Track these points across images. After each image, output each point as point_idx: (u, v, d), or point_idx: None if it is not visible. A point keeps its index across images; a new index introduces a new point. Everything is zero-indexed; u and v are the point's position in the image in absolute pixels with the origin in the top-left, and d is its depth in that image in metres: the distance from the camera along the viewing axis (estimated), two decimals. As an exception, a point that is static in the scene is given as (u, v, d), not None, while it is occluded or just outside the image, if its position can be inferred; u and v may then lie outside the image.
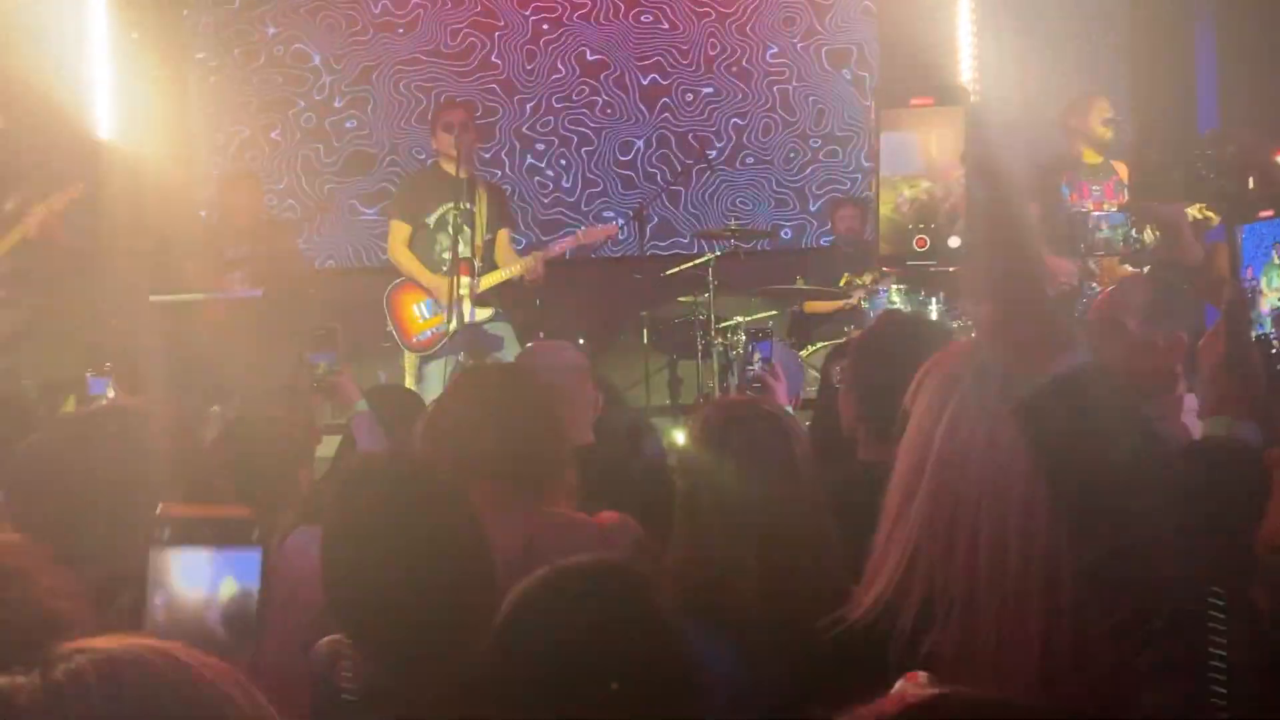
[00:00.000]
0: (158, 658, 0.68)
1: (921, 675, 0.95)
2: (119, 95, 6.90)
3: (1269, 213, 1.29)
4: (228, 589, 0.83)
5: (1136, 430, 1.04)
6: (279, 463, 2.46)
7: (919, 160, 1.03)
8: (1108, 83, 6.83)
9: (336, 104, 7.36)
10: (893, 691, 0.95)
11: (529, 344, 4.63)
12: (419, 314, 5.34)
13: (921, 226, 1.01)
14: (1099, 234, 5.25)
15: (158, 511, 0.84)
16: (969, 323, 5.43)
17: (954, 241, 1.02)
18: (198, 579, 0.82)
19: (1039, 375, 1.02)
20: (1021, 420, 1.04)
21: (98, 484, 1.58)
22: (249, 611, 0.83)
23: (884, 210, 1.03)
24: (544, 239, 6.93)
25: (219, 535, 0.83)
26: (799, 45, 7.56)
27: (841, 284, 6.68)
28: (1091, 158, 5.56)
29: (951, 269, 1.03)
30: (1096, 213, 5.36)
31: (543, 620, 1.31)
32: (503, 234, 5.49)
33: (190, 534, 0.83)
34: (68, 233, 5.67)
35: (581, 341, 6.99)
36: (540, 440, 2.07)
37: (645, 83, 7.53)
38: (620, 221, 5.98)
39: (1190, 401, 1.90)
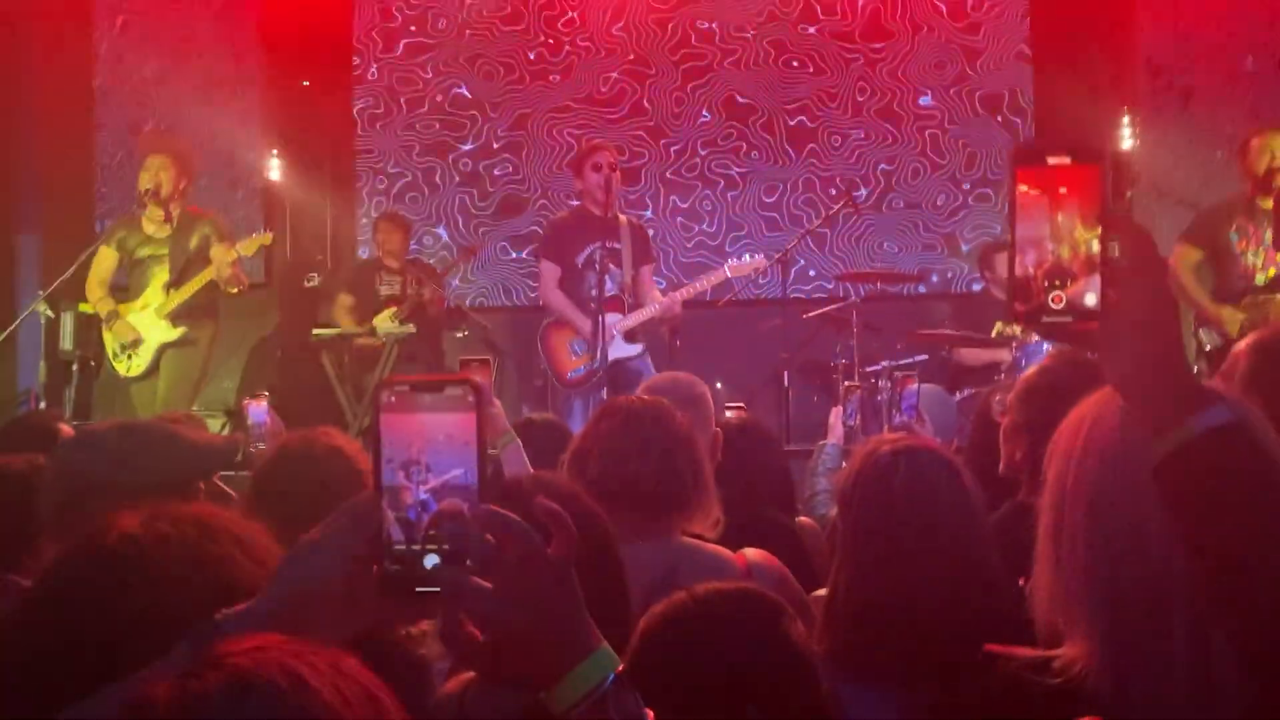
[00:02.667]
0: (289, 685, 0.70)
1: None
2: (288, 142, 7.31)
3: None
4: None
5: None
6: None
7: (1053, 219, 1.04)
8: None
9: (493, 148, 7.62)
10: None
11: (655, 377, 4.66)
12: (572, 352, 5.45)
13: (1058, 284, 1.02)
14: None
15: (384, 378, 0.93)
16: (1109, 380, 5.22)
17: (1090, 299, 1.02)
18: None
19: (1177, 433, 1.01)
20: (1158, 479, 1.02)
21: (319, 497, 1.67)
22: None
23: (1016, 269, 1.04)
24: (686, 280, 6.99)
25: (437, 400, 0.91)
26: (951, 89, 7.46)
27: (994, 334, 6.52)
28: (1266, 201, 5.24)
29: (1091, 325, 1.03)
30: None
31: (678, 643, 1.31)
32: (645, 270, 5.57)
33: (412, 400, 0.91)
34: (245, 272, 5.93)
35: (719, 385, 7.00)
36: (683, 470, 2.09)
37: (792, 126, 7.55)
38: (766, 261, 5.94)
39: None
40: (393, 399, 0.91)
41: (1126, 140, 7.07)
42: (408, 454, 0.90)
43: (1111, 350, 1.05)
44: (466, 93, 7.62)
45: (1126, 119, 7.03)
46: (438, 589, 0.88)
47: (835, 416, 3.52)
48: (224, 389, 7.24)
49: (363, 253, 7.55)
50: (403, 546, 0.89)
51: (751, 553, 2.14)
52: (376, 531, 0.89)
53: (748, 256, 5.80)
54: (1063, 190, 1.03)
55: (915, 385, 3.30)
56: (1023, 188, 1.04)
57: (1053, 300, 1.03)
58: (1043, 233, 1.03)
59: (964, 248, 7.46)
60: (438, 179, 7.64)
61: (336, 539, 0.88)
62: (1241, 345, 2.19)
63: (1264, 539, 0.97)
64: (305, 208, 7.46)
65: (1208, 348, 5.32)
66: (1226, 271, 5.29)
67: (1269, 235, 5.20)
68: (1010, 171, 1.05)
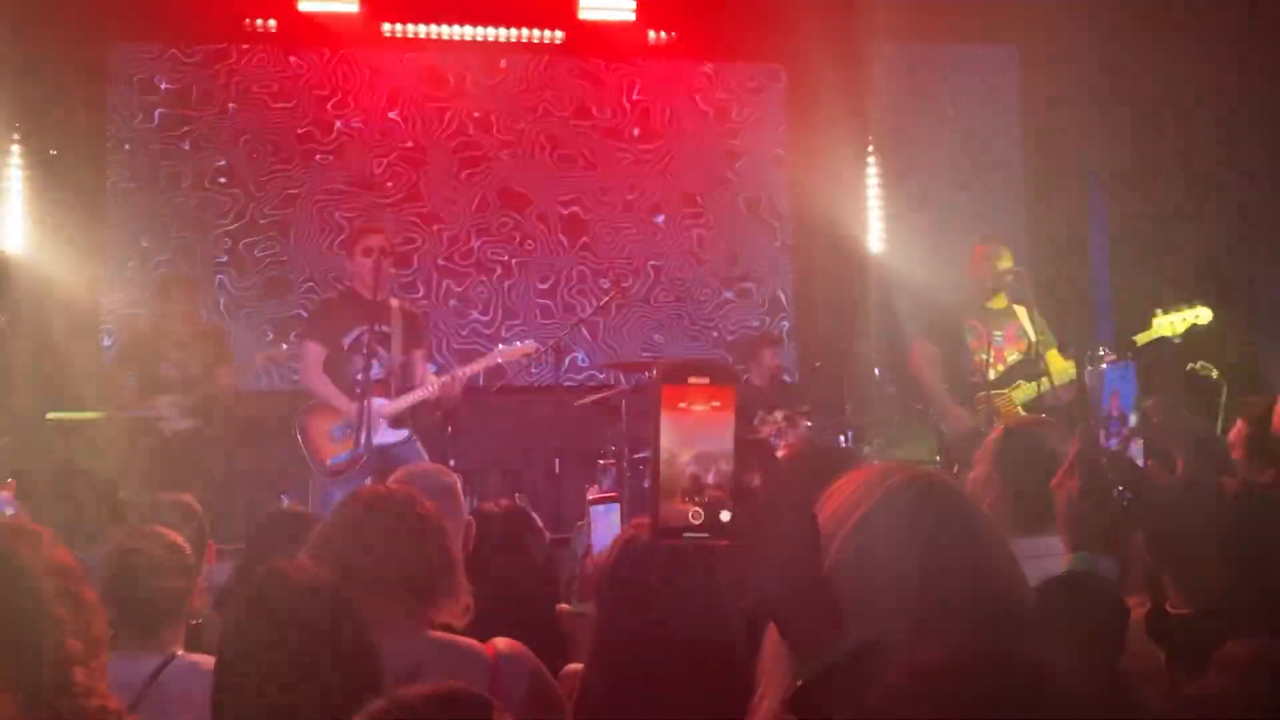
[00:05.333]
0: None
1: None
2: (33, 213, 6.84)
3: (1112, 357, 1.41)
4: None
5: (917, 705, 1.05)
6: (167, 589, 2.39)
7: (694, 436, 1.10)
8: (1007, 228, 7.19)
9: (256, 227, 7.37)
10: None
11: (402, 468, 4.57)
12: (332, 437, 5.26)
13: (695, 499, 1.08)
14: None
15: None
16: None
17: (725, 515, 1.08)
18: None
19: (817, 658, 1.05)
20: (800, 700, 1.05)
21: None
22: None
23: (663, 485, 1.09)
24: (459, 366, 6.95)
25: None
26: (714, 190, 7.84)
27: (755, 421, 6.81)
28: (994, 303, 5.70)
29: (724, 544, 1.09)
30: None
31: None
32: (417, 355, 5.48)
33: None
34: None
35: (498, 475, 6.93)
36: (430, 557, 2.06)
37: (566, 219, 7.71)
38: (537, 346, 5.98)
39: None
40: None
41: (874, 243, 7.64)
42: None
43: (751, 572, 1.08)
44: (230, 170, 7.37)
45: (875, 223, 7.59)
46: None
47: (592, 493, 3.53)
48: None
49: (105, 341, 7.05)
50: None
51: (501, 643, 2.11)
52: None
53: (518, 342, 5.82)
54: (704, 409, 1.10)
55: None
56: (667, 407, 1.10)
57: (691, 515, 1.07)
58: (685, 449, 1.09)
59: (727, 340, 7.77)
60: (195, 257, 7.30)
61: None
62: (992, 435, 2.46)
63: None
64: (46, 283, 6.95)
65: (947, 435, 5.70)
66: (960, 367, 5.71)
67: (999, 335, 5.66)
68: (656, 389, 1.10)
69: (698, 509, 1.08)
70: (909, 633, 1.14)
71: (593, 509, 2.58)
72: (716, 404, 1.10)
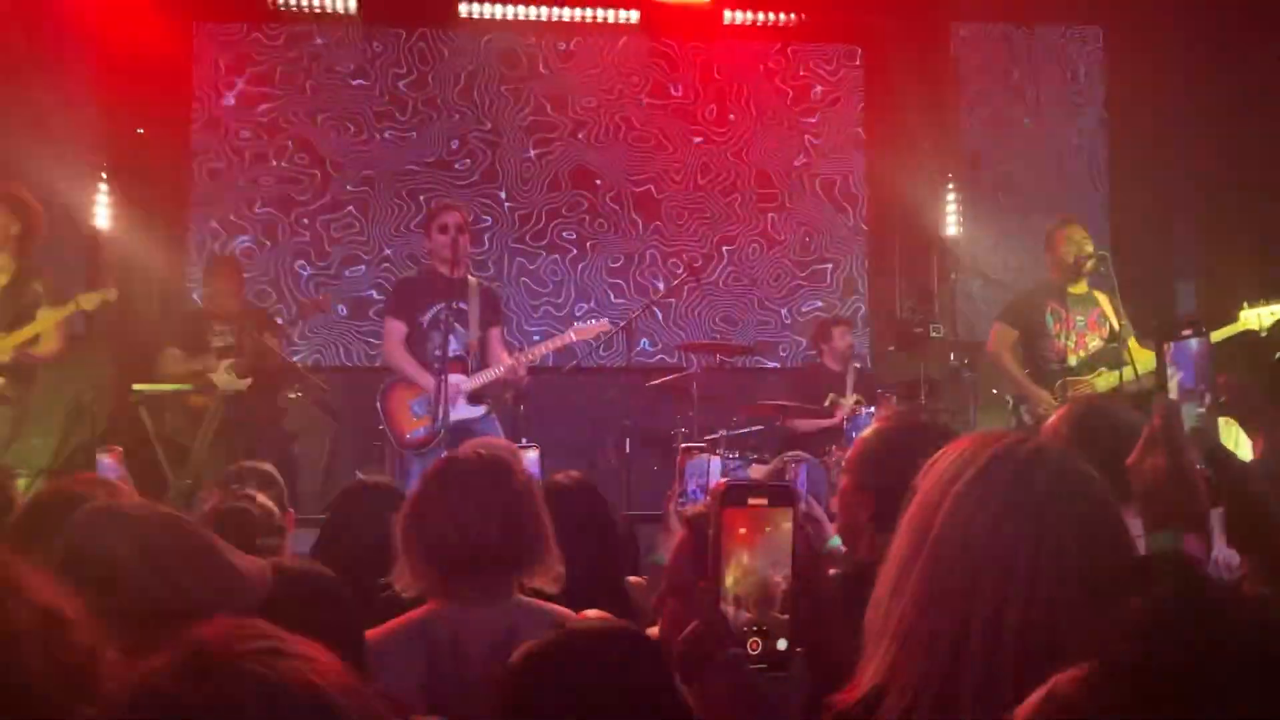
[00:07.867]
0: None
1: None
2: (120, 189, 7.01)
3: (1188, 331, 1.41)
4: None
5: None
6: (265, 548, 2.45)
7: (753, 560, 1.10)
8: (1088, 212, 7.03)
9: (334, 205, 7.49)
10: None
11: (473, 440, 4.63)
12: (413, 412, 5.33)
13: (756, 629, 1.09)
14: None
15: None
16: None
17: (782, 644, 1.09)
18: None
19: None
20: None
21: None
22: None
23: (726, 612, 1.11)
24: (531, 346, 7.00)
25: None
26: (788, 172, 7.78)
27: (826, 404, 6.77)
28: (1075, 287, 5.58)
29: (781, 673, 1.09)
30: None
31: (553, 679, 1.32)
32: (494, 332, 5.53)
33: None
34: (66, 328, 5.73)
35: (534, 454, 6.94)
36: (525, 529, 2.08)
37: (638, 199, 7.72)
38: (610, 324, 6.00)
39: None
40: None
41: (951, 226, 7.52)
42: None
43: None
44: (309, 148, 7.50)
45: (952, 206, 7.47)
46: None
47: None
48: (33, 446, 6.78)
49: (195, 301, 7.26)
50: None
51: (593, 614, 2.13)
52: None
53: (592, 320, 5.84)
54: (761, 531, 1.11)
55: (804, 463, 3.33)
56: (727, 530, 1.10)
57: (750, 646, 1.08)
58: (743, 572, 1.10)
59: (797, 323, 7.72)
60: (276, 234, 7.45)
61: None
62: (1055, 414, 2.40)
63: None
64: (134, 258, 7.15)
65: (1028, 422, 5.58)
66: (1040, 352, 5.60)
67: (1080, 320, 5.54)
68: (716, 513, 1.10)
69: (755, 639, 1.08)
70: (1024, 600, 1.14)
71: (689, 462, 2.59)
72: (775, 525, 1.10)
